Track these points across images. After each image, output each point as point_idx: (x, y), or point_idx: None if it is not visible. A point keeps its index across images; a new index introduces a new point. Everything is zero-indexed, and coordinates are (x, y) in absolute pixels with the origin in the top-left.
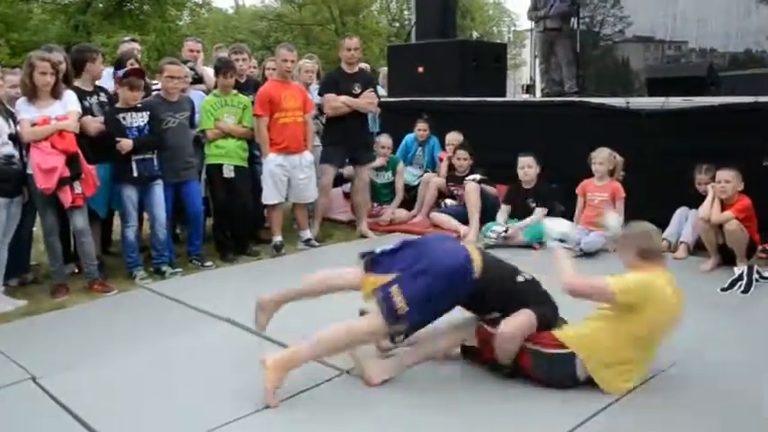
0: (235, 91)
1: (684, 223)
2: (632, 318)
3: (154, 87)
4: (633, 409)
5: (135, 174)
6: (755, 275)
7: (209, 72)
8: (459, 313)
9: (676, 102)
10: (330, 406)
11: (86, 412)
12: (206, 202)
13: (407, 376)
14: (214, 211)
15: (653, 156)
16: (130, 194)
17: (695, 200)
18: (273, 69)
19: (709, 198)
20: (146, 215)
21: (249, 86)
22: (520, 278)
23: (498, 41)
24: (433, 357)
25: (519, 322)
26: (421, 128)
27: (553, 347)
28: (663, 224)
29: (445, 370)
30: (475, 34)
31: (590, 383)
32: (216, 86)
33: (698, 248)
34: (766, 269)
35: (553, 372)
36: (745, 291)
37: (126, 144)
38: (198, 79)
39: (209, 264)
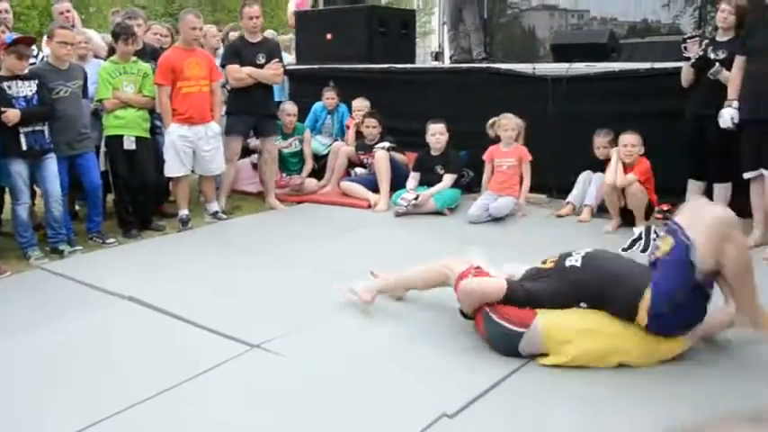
0: (134, 58)
1: (588, 186)
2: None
3: (42, 54)
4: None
5: (24, 147)
6: (653, 235)
7: (92, 36)
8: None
9: (579, 67)
10: (241, 380)
11: None
12: (106, 176)
13: (333, 339)
14: (114, 186)
15: (558, 120)
16: (20, 170)
17: (597, 163)
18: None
19: (613, 162)
20: (39, 191)
21: (147, 53)
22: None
23: (408, 8)
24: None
25: (482, 284)
26: (329, 96)
27: (513, 324)
28: (567, 188)
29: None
30: (384, 0)
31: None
32: (111, 53)
33: (601, 211)
34: (662, 229)
35: (499, 343)
36: (644, 250)
37: (13, 115)
38: None
39: (111, 240)
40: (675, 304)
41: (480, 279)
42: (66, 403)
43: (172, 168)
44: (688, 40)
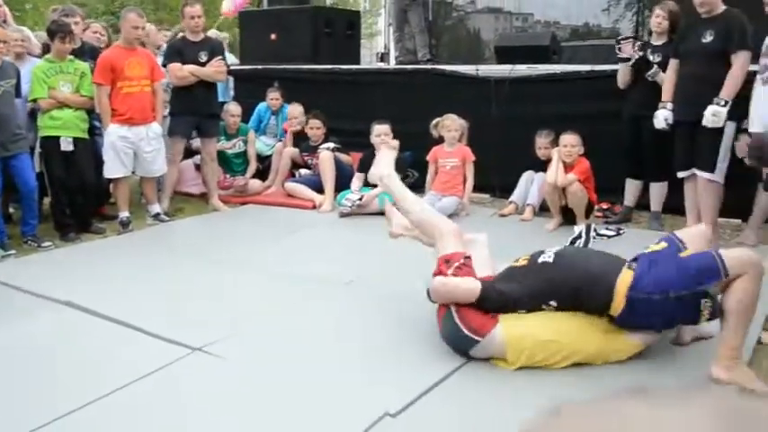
0: (71, 57)
1: (530, 186)
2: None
3: None
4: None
5: None
6: (593, 233)
7: (27, 34)
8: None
9: (522, 69)
10: (183, 383)
11: None
12: (41, 178)
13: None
14: (51, 188)
15: (501, 121)
16: None
17: (539, 163)
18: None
19: (554, 162)
20: None
21: (85, 52)
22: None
23: (354, 10)
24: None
25: (451, 287)
26: (273, 97)
27: (470, 331)
28: (510, 188)
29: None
30: (329, 1)
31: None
32: (45, 52)
33: (542, 210)
34: (602, 227)
35: (450, 340)
36: (584, 247)
37: None
38: None
39: (47, 244)
40: (666, 293)
41: (453, 281)
42: (2, 410)
43: (112, 169)
44: (621, 41)
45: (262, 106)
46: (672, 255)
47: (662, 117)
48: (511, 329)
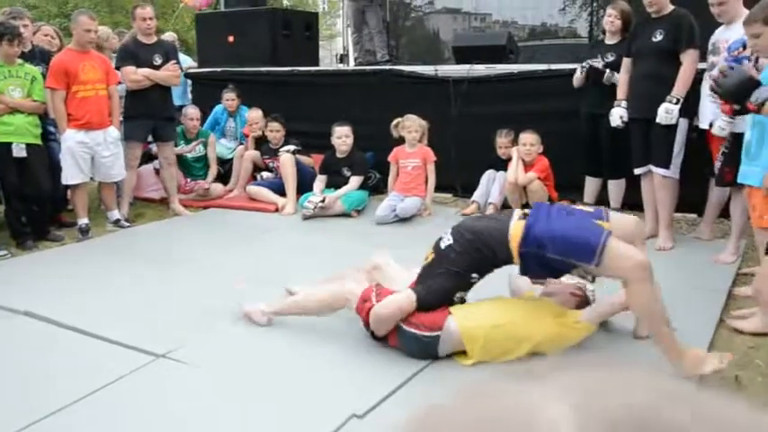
0: (20, 61)
1: (492, 185)
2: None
3: None
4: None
5: None
6: None
7: None
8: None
9: (480, 69)
10: (147, 391)
11: None
12: None
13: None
14: (5, 195)
15: (461, 121)
16: None
17: (500, 162)
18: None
19: (514, 161)
20: None
21: (36, 56)
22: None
23: (312, 11)
24: (309, 314)
25: (396, 304)
26: (228, 98)
27: (426, 329)
28: (472, 187)
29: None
30: (286, 2)
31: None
32: None
33: (504, 208)
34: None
35: (415, 350)
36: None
37: None
38: None
39: (3, 253)
40: (544, 251)
41: (390, 299)
42: None
43: (69, 175)
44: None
45: (218, 108)
46: (573, 216)
47: (617, 115)
48: (463, 320)
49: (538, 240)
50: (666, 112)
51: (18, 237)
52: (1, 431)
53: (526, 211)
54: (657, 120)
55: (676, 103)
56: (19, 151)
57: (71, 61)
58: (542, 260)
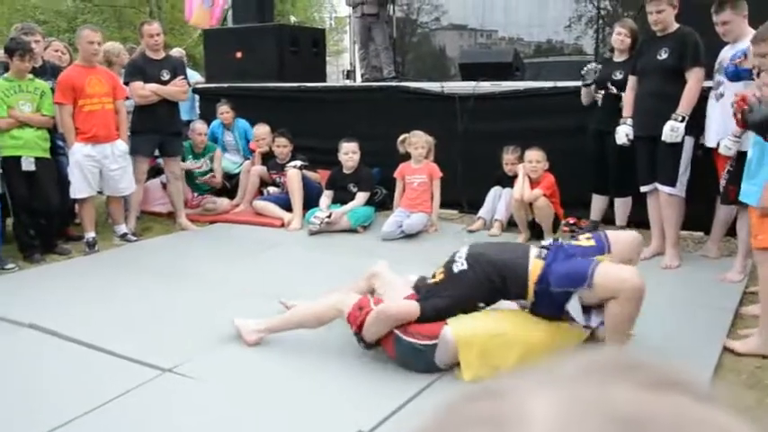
0: (30, 75)
1: (498, 202)
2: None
3: None
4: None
5: None
6: None
7: None
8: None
9: (486, 86)
10: (154, 405)
11: None
12: (4, 199)
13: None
14: (14, 208)
15: (467, 137)
16: None
17: (506, 179)
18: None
19: (520, 178)
20: None
21: (47, 71)
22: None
23: (319, 27)
24: (304, 326)
25: (401, 307)
26: (223, 111)
27: (423, 338)
28: (477, 204)
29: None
30: (293, 19)
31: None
32: (7, 70)
33: (510, 225)
34: (569, 242)
35: (412, 360)
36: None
37: None
38: None
39: (10, 266)
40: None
41: (399, 302)
42: None
43: (78, 189)
44: (585, 72)
45: (215, 123)
46: (578, 256)
47: (623, 133)
48: (459, 331)
49: (548, 279)
50: (672, 130)
51: (26, 250)
52: None
53: (543, 248)
54: (663, 138)
55: (681, 121)
56: (28, 165)
57: (77, 76)
58: (550, 296)
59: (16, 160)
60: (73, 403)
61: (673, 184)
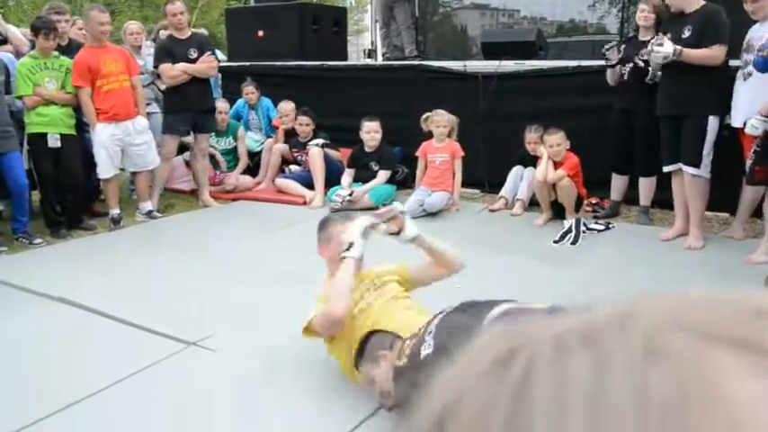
0: (56, 53)
1: (519, 181)
2: None
3: None
4: None
5: None
6: (582, 228)
7: (14, 31)
8: None
9: (509, 65)
10: (180, 377)
11: None
12: (31, 175)
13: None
14: (40, 185)
15: (489, 117)
16: None
17: (528, 158)
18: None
19: (543, 160)
20: None
21: (73, 50)
22: None
23: (341, 6)
24: None
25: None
26: (248, 91)
27: None
28: (499, 183)
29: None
30: None
31: None
32: (33, 48)
33: (532, 204)
34: (591, 221)
35: None
36: (574, 242)
37: None
38: (2, 40)
39: (38, 241)
40: None
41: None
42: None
43: (104, 170)
44: (607, 51)
45: (239, 102)
46: None
47: (750, 125)
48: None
49: None
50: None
51: (52, 225)
52: (39, 413)
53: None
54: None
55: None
56: (54, 141)
57: (92, 57)
58: None
59: (42, 137)
60: (101, 374)
61: (697, 165)
